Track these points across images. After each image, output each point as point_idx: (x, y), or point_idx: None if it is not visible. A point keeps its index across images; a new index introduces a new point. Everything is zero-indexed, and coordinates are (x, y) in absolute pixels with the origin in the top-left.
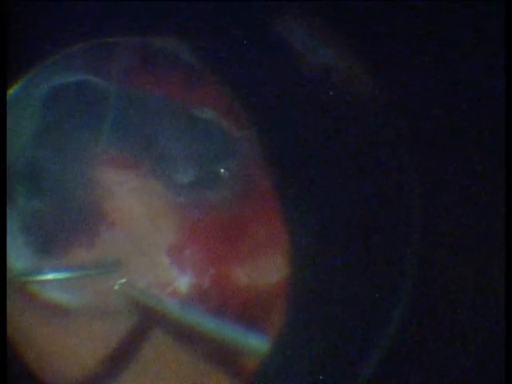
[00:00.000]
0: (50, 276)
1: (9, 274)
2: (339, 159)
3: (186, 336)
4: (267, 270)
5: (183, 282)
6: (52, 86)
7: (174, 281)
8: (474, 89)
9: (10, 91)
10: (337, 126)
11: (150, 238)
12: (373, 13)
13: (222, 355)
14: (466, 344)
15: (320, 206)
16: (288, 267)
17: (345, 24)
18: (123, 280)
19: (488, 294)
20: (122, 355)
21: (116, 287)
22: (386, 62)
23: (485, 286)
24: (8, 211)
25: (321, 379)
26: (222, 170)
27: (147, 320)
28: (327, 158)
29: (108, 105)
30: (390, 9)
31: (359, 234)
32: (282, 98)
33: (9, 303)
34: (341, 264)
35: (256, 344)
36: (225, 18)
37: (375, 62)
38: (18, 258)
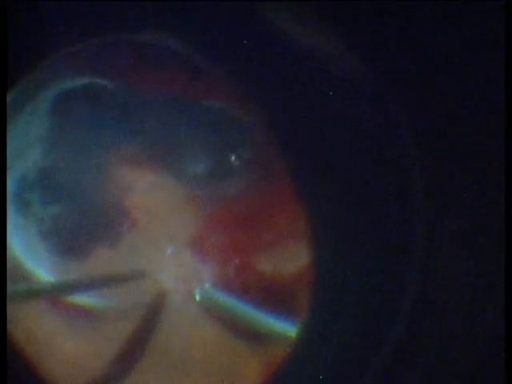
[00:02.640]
0: (74, 283)
1: (30, 284)
2: (354, 142)
3: (213, 327)
4: (289, 258)
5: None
6: (57, 91)
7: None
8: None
9: (12, 99)
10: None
11: (171, 233)
12: None
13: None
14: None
15: (337, 191)
16: (309, 255)
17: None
18: None
19: (489, 294)
20: (151, 354)
21: None
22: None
23: (486, 286)
24: (25, 220)
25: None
26: (234, 158)
27: (175, 317)
28: (343, 141)
29: (116, 104)
30: None
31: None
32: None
33: (31, 309)
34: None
35: (284, 328)
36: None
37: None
38: (40, 267)
